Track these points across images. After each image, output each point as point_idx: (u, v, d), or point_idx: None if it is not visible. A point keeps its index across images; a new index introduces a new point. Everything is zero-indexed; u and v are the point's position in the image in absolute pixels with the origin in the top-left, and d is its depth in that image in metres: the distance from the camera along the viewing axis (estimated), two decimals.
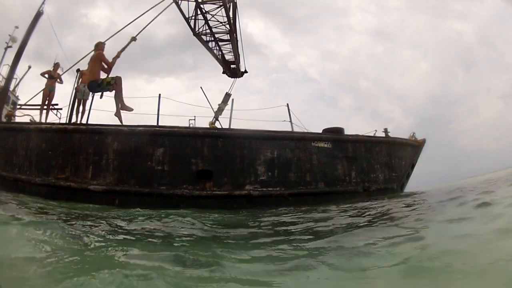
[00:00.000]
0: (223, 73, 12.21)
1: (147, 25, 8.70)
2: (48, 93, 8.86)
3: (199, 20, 10.29)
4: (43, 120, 8.54)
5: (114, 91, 6.45)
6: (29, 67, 10.73)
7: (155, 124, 7.72)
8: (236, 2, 10.16)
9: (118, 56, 6.85)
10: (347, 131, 8.82)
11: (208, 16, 10.26)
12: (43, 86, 8.93)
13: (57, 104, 9.36)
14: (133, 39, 7.35)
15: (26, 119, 9.24)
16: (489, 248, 2.54)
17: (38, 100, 9.12)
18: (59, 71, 9.15)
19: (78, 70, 8.69)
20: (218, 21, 10.35)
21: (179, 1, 9.44)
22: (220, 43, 11.45)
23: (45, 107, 8.79)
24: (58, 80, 9.11)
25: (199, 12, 10.04)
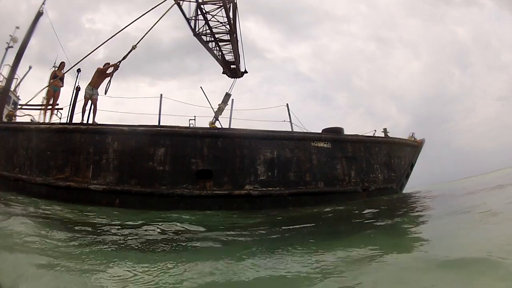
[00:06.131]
0: (223, 73, 12.22)
1: (147, 32, 8.28)
2: (53, 93, 8.84)
3: (199, 21, 10.32)
4: (47, 120, 8.55)
5: None
6: (30, 68, 10.77)
7: (156, 124, 7.76)
8: (236, 3, 10.17)
9: (116, 67, 7.98)
10: (344, 130, 8.85)
11: (208, 17, 10.28)
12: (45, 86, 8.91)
13: (57, 104, 9.39)
14: (133, 47, 8.02)
15: (27, 119, 9.27)
16: None
17: (39, 100, 9.13)
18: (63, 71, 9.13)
19: (78, 70, 8.69)
20: (218, 21, 10.37)
21: (181, 2, 9.44)
22: (220, 44, 11.45)
23: (49, 107, 8.77)
24: (61, 81, 9.08)
25: (199, 13, 10.07)
